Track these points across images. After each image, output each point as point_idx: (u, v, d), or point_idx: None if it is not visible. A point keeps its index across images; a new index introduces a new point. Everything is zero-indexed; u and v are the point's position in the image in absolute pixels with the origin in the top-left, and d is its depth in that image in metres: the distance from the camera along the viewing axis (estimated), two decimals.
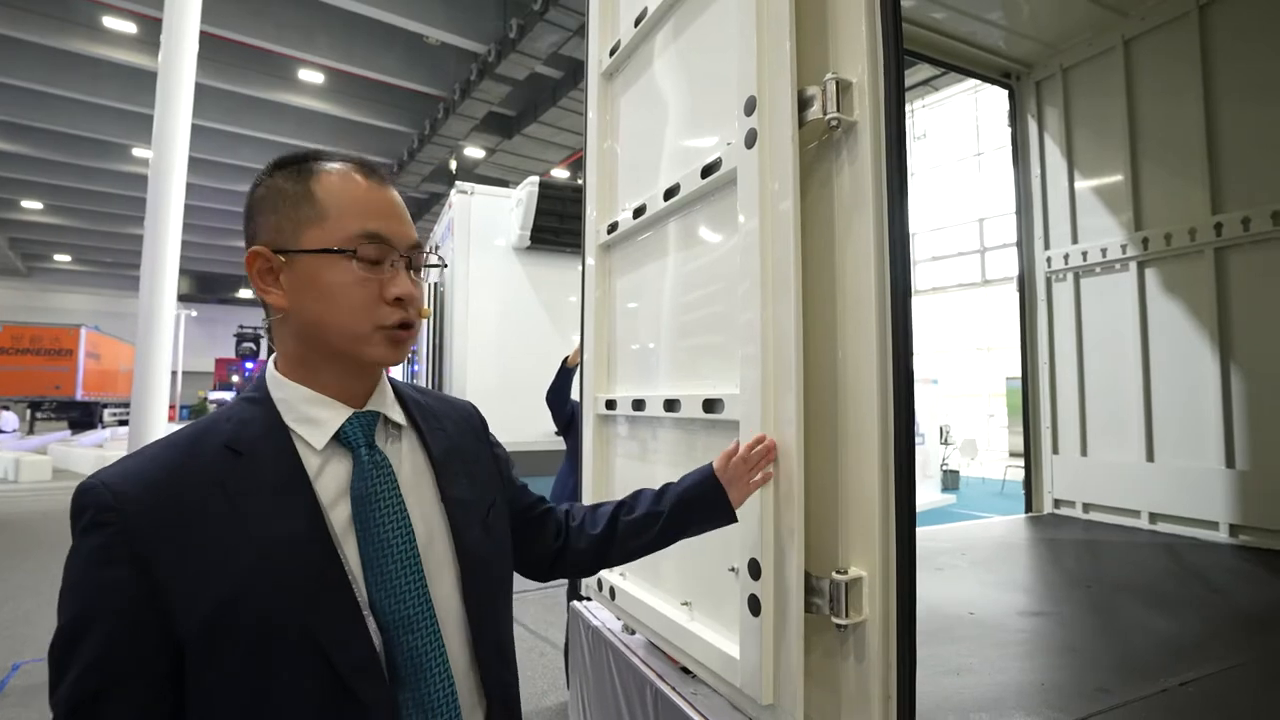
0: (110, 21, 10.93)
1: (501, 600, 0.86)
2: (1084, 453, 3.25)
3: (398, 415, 0.82)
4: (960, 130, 17.40)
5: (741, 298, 1.28)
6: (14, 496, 10.13)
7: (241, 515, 0.66)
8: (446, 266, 0.93)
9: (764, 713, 1.24)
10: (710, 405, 1.40)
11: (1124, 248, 3.04)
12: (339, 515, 0.71)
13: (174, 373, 24.34)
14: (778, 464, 1.19)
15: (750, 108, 1.28)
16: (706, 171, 1.44)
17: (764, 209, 1.24)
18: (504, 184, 5.70)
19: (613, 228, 1.87)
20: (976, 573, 2.26)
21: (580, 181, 6.54)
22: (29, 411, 18.68)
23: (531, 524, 1.02)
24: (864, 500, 1.15)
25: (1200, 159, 2.75)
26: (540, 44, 10.75)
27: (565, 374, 3.42)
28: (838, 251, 1.23)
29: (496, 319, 5.29)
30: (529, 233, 5.25)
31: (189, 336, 25.23)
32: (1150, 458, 2.94)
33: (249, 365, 24.31)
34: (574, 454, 3.67)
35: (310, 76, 12.93)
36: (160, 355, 3.61)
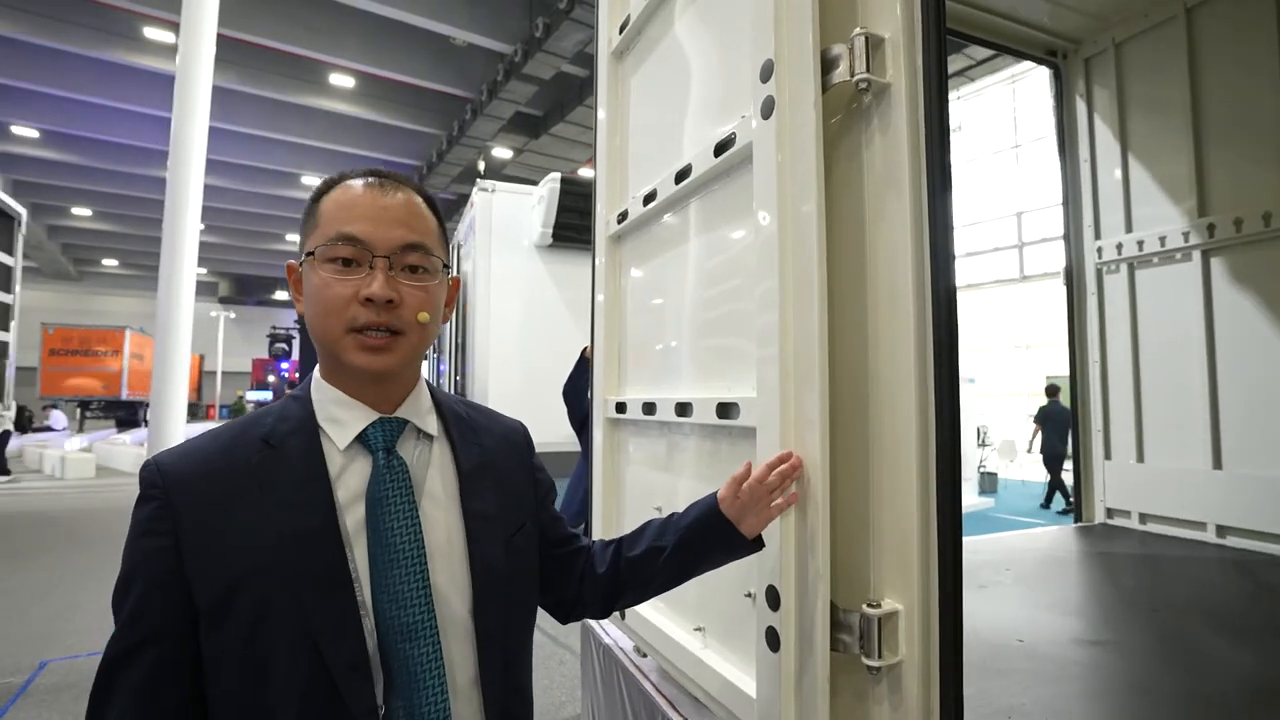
0: (151, 32, 11.20)
1: (517, 623, 0.84)
2: (1140, 458, 3.00)
3: (430, 425, 0.83)
4: (997, 122, 16.82)
5: (758, 290, 1.13)
6: (59, 493, 10.44)
7: (265, 505, 0.70)
8: (449, 269, 0.87)
9: None
10: (725, 410, 1.25)
11: (1186, 236, 2.79)
12: (353, 516, 0.73)
13: (214, 373, 25.02)
14: (800, 480, 1.04)
15: (767, 73, 1.13)
16: (720, 149, 1.30)
17: (783, 187, 1.09)
18: (531, 184, 5.61)
19: (622, 217, 1.74)
20: (1023, 591, 2.06)
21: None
22: (78, 410, 19.37)
23: (560, 561, 0.97)
24: (900, 522, 0.99)
25: (1275, 137, 2.50)
26: (566, 43, 10.68)
27: (583, 367, 3.23)
28: (868, 235, 1.08)
29: (519, 317, 5.20)
30: (551, 230, 5.15)
31: (228, 338, 25.86)
32: (1217, 464, 2.68)
33: (283, 365, 24.81)
34: (589, 455, 3.55)
35: (341, 81, 13.09)
36: (178, 354, 3.60)
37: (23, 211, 7.76)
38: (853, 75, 1.03)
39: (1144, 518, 2.95)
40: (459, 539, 0.79)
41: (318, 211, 0.77)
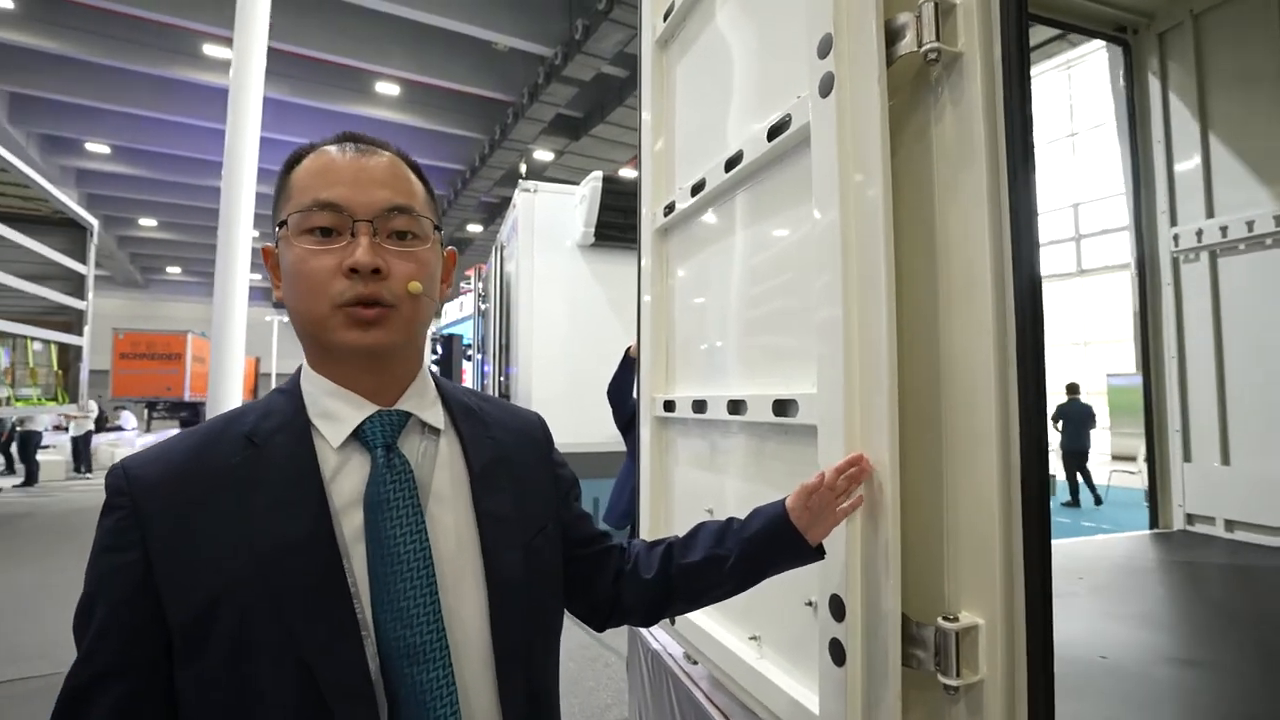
0: (209, 49, 11.68)
1: (541, 638, 0.75)
2: (1225, 461, 2.78)
3: (436, 418, 0.75)
4: (1052, 111, 16.13)
5: (819, 280, 1.06)
6: None
7: (246, 510, 0.63)
8: (441, 229, 0.82)
9: None
10: (782, 407, 1.18)
11: (1278, 219, 2.57)
12: (351, 521, 0.66)
13: (269, 375, 25.96)
14: (867, 482, 0.97)
15: (825, 48, 1.06)
16: (773, 133, 1.23)
17: (845, 169, 1.02)
18: (572, 184, 5.61)
19: (669, 209, 1.68)
20: (1101, 603, 1.92)
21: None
22: (145, 411, 20.37)
23: (589, 562, 0.88)
24: (979, 529, 0.91)
25: None
26: (606, 44, 10.69)
27: (628, 365, 3.18)
28: (938, 219, 1.00)
29: (562, 317, 5.20)
30: (593, 229, 5.13)
31: (282, 341, 26.82)
32: None
33: None
34: (635, 454, 3.50)
35: (386, 88, 13.40)
36: (233, 356, 3.70)
37: (95, 223, 8.17)
38: (920, 45, 0.95)
39: (1230, 524, 2.73)
40: (471, 545, 0.71)
41: (289, 183, 0.69)
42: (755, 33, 1.39)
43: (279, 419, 0.68)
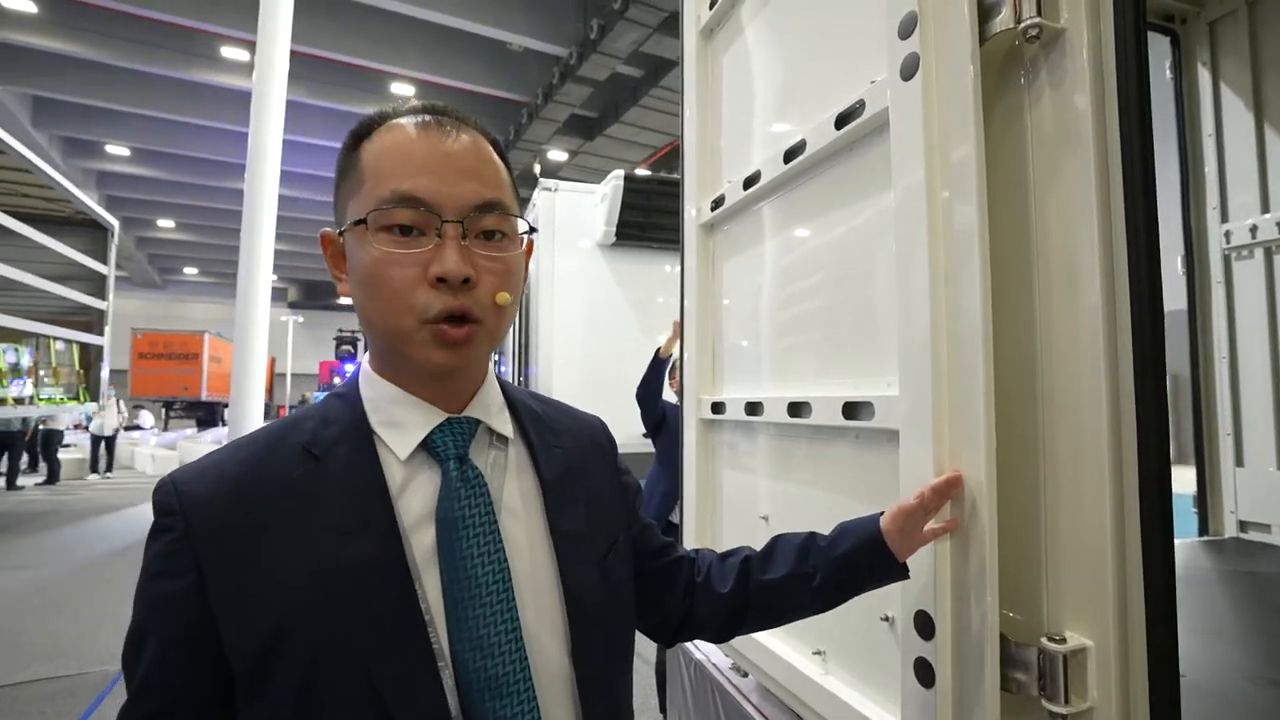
0: (228, 52, 11.76)
1: (620, 664, 0.70)
2: None
3: (504, 426, 0.69)
4: None
5: (901, 273, 0.99)
6: (148, 489, 11.04)
7: (310, 530, 0.57)
8: (536, 231, 0.65)
9: None
10: (853, 410, 1.12)
11: None
12: (421, 541, 0.60)
13: (284, 375, 26.21)
14: (961, 491, 0.90)
15: (908, 27, 0.99)
16: (842, 121, 1.17)
17: (931, 158, 0.95)
18: (587, 184, 5.57)
19: (717, 204, 1.62)
20: None
21: (666, 174, 6.35)
22: (163, 410, 20.58)
23: (659, 575, 0.83)
24: (1086, 542, 0.84)
25: None
26: (621, 43, 10.65)
27: (658, 366, 3.11)
28: (1034, 210, 0.93)
29: (582, 317, 5.15)
30: (614, 228, 5.08)
31: (297, 341, 27.03)
32: None
33: (347, 367, 25.73)
34: (664, 458, 3.43)
35: (402, 89, 13.44)
36: (255, 356, 3.69)
37: (115, 224, 8.23)
38: (1018, 22, 0.89)
39: None
40: (548, 565, 0.65)
41: (358, 162, 0.61)
42: (817, 16, 1.33)
43: (339, 428, 0.62)
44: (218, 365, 20.08)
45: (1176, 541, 2.80)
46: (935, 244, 0.94)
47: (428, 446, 0.63)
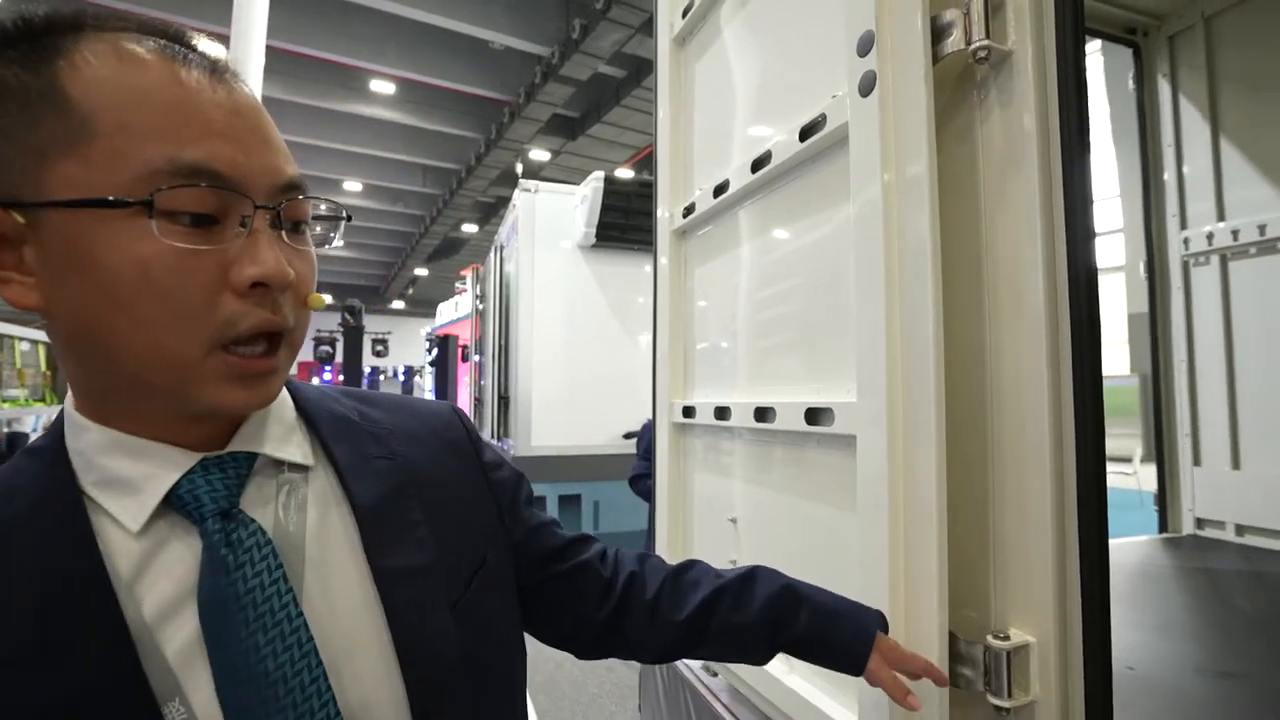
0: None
1: (487, 704, 0.53)
2: (1235, 465, 2.78)
3: (297, 450, 0.52)
4: None
5: (858, 284, 1.02)
6: None
7: None
8: (349, 220, 0.52)
9: None
10: (815, 416, 1.15)
11: None
12: (177, 637, 0.42)
13: None
14: (913, 493, 0.93)
15: (866, 46, 1.03)
16: (806, 133, 1.20)
17: (887, 172, 0.99)
18: (569, 185, 5.57)
19: (689, 211, 1.65)
20: (1122, 611, 1.89)
21: (646, 176, 6.35)
22: None
23: (564, 579, 0.69)
24: (1031, 542, 0.88)
25: None
26: (603, 43, 10.65)
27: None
28: (984, 224, 0.97)
29: (562, 318, 5.16)
30: (594, 230, 5.10)
31: None
32: None
33: (326, 369, 25.35)
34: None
35: (381, 87, 13.32)
36: None
37: None
38: (969, 43, 0.92)
39: (1241, 529, 2.72)
40: (373, 623, 0.48)
41: (69, 96, 0.39)
42: (784, 30, 1.36)
43: (29, 499, 0.43)
44: None
45: (1137, 539, 2.89)
46: (890, 256, 0.97)
47: (174, 505, 0.44)
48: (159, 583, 0.43)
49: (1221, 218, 2.84)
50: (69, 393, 0.47)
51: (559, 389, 5.02)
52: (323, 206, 0.50)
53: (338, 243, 0.52)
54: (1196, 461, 2.92)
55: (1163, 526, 3.01)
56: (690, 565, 0.79)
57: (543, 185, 5.52)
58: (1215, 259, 2.86)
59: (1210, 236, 2.85)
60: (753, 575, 0.78)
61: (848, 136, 1.07)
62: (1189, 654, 1.54)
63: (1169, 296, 3.04)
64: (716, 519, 1.51)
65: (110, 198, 0.38)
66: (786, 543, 1.28)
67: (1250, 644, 1.62)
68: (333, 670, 0.45)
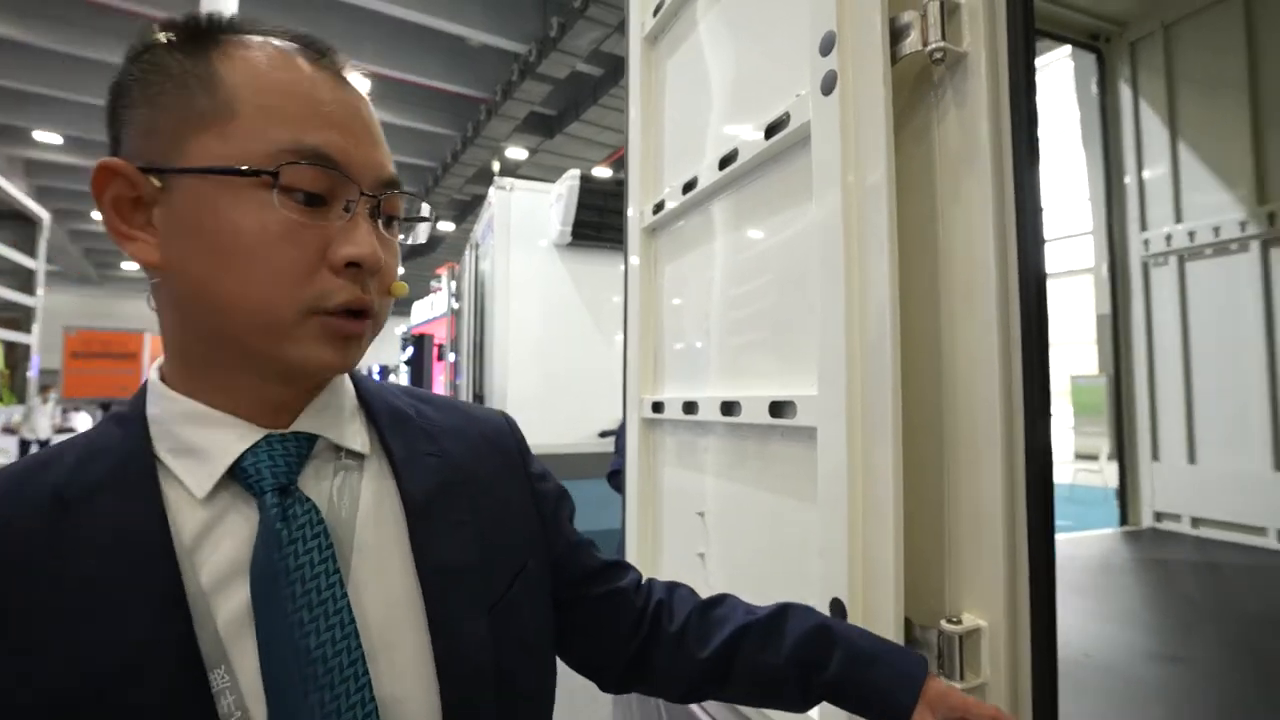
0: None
1: (516, 714, 0.54)
2: (1192, 460, 2.87)
3: (355, 438, 0.54)
4: None
5: (821, 279, 1.04)
6: None
7: (44, 616, 0.40)
8: (435, 221, 0.59)
9: None
10: (779, 409, 1.17)
11: (1243, 225, 2.66)
12: (228, 606, 0.44)
13: None
14: (871, 483, 0.95)
15: (828, 45, 1.04)
16: (771, 131, 1.22)
17: (847, 170, 1.01)
18: (546, 183, 5.55)
19: (659, 208, 1.66)
20: (1082, 601, 1.95)
21: (621, 175, 6.36)
22: (100, 412, 19.67)
23: (598, 604, 0.68)
24: (982, 531, 0.91)
25: None
26: (581, 42, 10.64)
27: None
28: (941, 221, 0.99)
29: (538, 317, 5.14)
30: (570, 228, 5.09)
31: None
32: (1279, 466, 2.55)
33: None
34: None
35: (357, 83, 13.13)
36: None
37: (46, 216, 7.83)
38: (925, 44, 0.94)
39: (1196, 522, 2.82)
40: (414, 617, 0.50)
41: (222, 87, 0.45)
42: (752, 29, 1.37)
43: (106, 463, 0.45)
44: None
45: (1099, 532, 2.97)
46: (850, 252, 0.99)
47: (237, 477, 0.47)
48: (217, 552, 0.45)
49: (1179, 219, 2.93)
50: (153, 365, 0.52)
51: (534, 388, 5.00)
52: (423, 209, 0.56)
53: (422, 240, 0.57)
54: (1155, 457, 3.01)
55: (1124, 520, 3.10)
56: (721, 600, 0.74)
57: (518, 183, 5.49)
58: (1173, 260, 2.95)
59: (1169, 238, 2.95)
60: (784, 613, 0.72)
61: (810, 135, 1.09)
62: (1142, 641, 1.60)
63: (1130, 297, 3.13)
64: (685, 513, 1.52)
65: (243, 167, 0.44)
66: (753, 535, 1.30)
67: (1198, 631, 1.68)
68: (370, 660, 0.46)
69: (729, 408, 1.31)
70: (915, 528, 0.96)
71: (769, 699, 0.71)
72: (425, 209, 0.56)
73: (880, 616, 0.93)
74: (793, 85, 1.19)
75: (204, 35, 0.47)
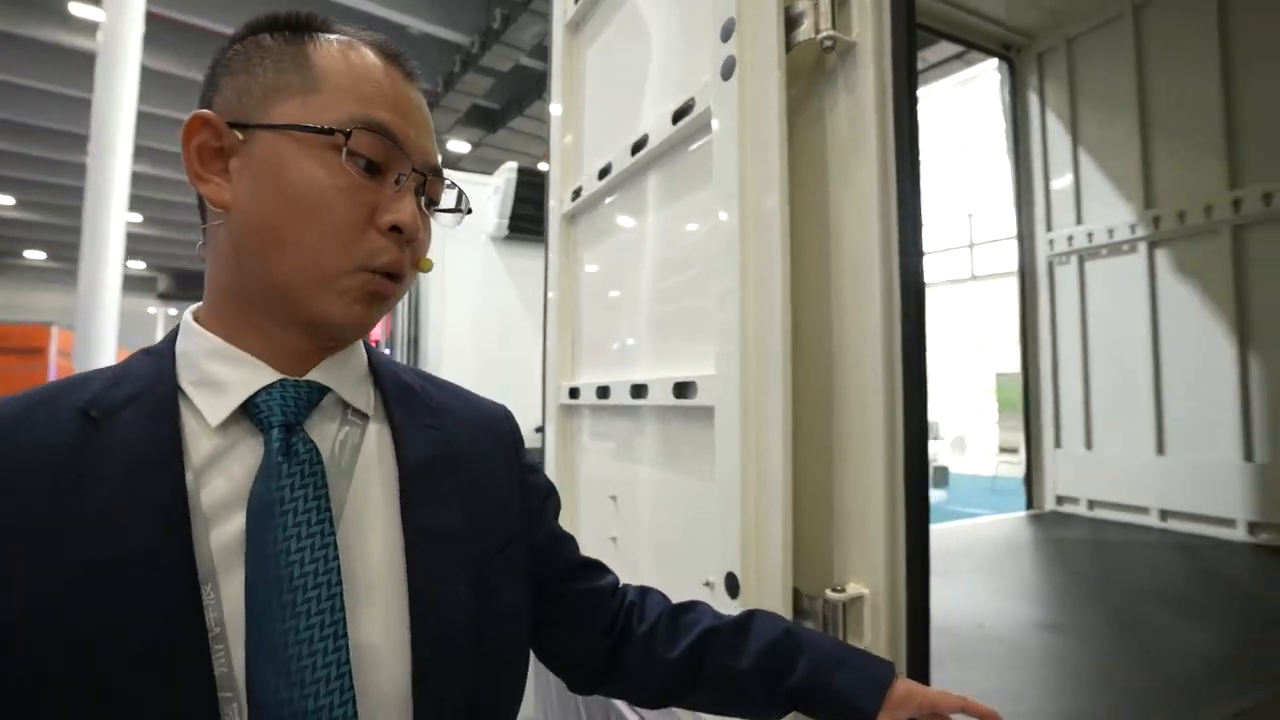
0: (76, 8, 10.55)
1: (490, 699, 0.55)
2: (1089, 446, 3.07)
3: (362, 398, 0.57)
4: (950, 124, 17.29)
5: (718, 260, 1.06)
6: None
7: (66, 515, 0.44)
8: (470, 213, 0.64)
9: None
10: (682, 389, 1.18)
11: (1133, 228, 2.86)
12: (224, 532, 0.47)
13: None
14: (764, 460, 0.98)
15: (728, 31, 1.07)
16: (678, 116, 1.23)
17: (744, 150, 1.03)
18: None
19: (577, 194, 1.66)
20: (981, 578, 2.06)
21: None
22: None
23: (575, 601, 0.69)
24: (865, 506, 0.94)
25: (1217, 132, 2.57)
26: (524, 35, 10.49)
27: None
28: (833, 204, 1.02)
29: (473, 310, 5.06)
30: (507, 221, 5.02)
31: None
32: (1161, 451, 2.76)
33: None
34: None
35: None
36: (102, 351, 3.36)
37: None
38: (817, 32, 0.98)
39: (1092, 504, 3.01)
40: (395, 571, 0.52)
41: (309, 60, 0.52)
42: (664, 16, 1.39)
43: (134, 387, 0.50)
44: (69, 361, 18.03)
45: (1007, 516, 3.14)
46: (745, 234, 1.01)
47: (250, 413, 0.50)
48: (222, 477, 0.49)
49: (1080, 221, 3.12)
50: (188, 310, 0.56)
51: (469, 381, 4.85)
52: (461, 203, 0.61)
53: (454, 225, 0.62)
54: (1058, 444, 3.20)
55: (1030, 504, 3.28)
56: (691, 606, 0.75)
57: (455, 175, 5.38)
58: (1074, 259, 3.15)
59: (1070, 239, 3.14)
60: (749, 619, 0.73)
61: (711, 120, 1.11)
62: (1030, 612, 1.70)
63: (1038, 294, 3.31)
64: (600, 498, 1.53)
65: (319, 125, 0.50)
66: (660, 516, 1.31)
67: (1079, 601, 1.80)
68: (349, 606, 0.48)
69: (639, 390, 1.32)
70: (806, 504, 0.99)
71: (737, 705, 0.71)
72: (464, 201, 0.61)
73: (770, 588, 0.96)
74: (702, 71, 1.21)
75: (302, 26, 0.55)
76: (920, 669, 0.89)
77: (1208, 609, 1.75)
